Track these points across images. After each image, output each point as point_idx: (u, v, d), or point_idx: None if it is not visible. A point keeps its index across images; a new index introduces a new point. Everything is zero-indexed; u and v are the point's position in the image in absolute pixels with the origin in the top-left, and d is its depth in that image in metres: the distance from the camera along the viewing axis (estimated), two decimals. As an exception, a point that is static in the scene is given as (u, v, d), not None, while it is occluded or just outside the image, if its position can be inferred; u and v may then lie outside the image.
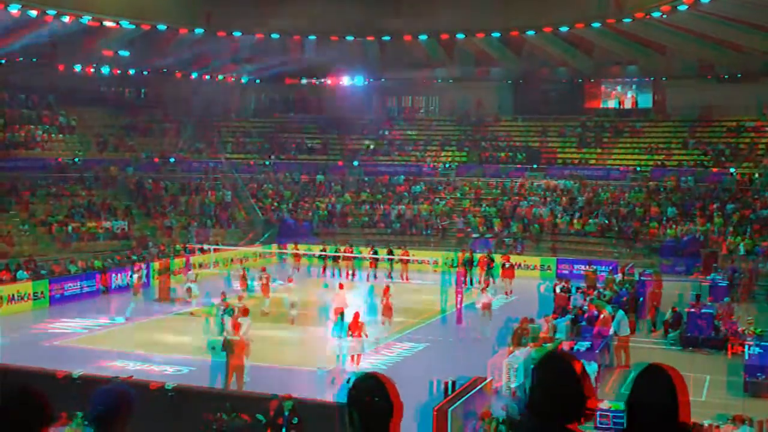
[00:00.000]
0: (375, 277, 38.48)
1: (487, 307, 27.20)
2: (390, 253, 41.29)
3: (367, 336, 22.32)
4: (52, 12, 41.80)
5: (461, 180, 52.45)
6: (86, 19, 43.75)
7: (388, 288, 28.30)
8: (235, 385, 19.18)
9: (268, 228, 48.98)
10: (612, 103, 56.84)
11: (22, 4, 40.21)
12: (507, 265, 37.54)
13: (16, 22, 42.42)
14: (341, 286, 28.70)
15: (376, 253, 41.08)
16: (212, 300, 27.52)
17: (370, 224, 49.23)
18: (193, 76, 55.66)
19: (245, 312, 22.35)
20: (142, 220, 45.14)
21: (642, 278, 32.57)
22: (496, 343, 21.95)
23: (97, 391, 3.72)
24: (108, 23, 44.87)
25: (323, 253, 41.76)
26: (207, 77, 56.06)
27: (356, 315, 22.85)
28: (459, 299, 29.28)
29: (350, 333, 22.09)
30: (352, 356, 22.15)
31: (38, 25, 43.62)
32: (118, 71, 52.74)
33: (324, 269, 40.86)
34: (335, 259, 41.34)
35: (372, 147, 55.82)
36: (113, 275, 35.53)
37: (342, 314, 23.76)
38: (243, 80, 57.47)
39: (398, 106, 61.25)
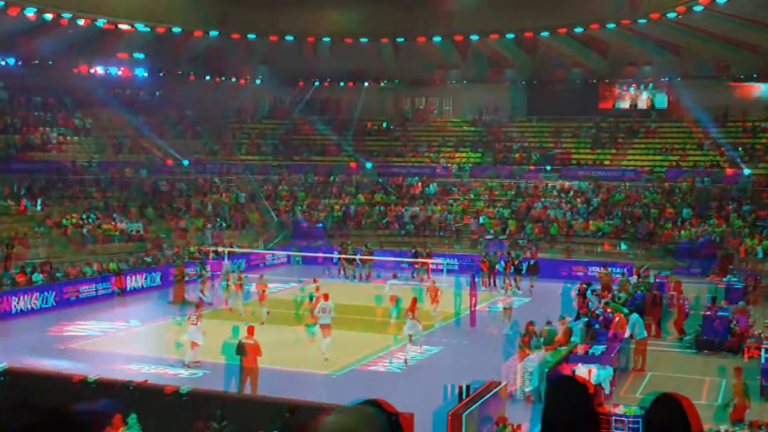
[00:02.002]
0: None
1: (509, 308, 27.75)
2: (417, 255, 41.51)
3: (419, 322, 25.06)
4: (67, 15, 42.04)
5: (475, 181, 52.36)
6: (101, 22, 44.00)
7: (434, 285, 30.35)
8: (249, 389, 19.16)
9: (281, 230, 49.06)
10: (626, 104, 56.61)
11: (38, 8, 40.48)
12: (532, 262, 38.35)
13: (32, 25, 42.72)
14: (394, 276, 33.25)
15: (415, 254, 41.23)
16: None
17: (383, 226, 49.22)
18: (208, 78, 55.82)
19: (327, 297, 24.78)
20: (157, 222, 45.27)
21: (658, 280, 32.39)
22: (509, 346, 21.84)
23: (79, 408, 3.67)
24: (123, 26, 45.09)
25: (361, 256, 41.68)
26: (221, 79, 56.21)
27: (414, 300, 25.96)
28: (473, 302, 29.18)
29: (408, 314, 24.91)
30: (410, 336, 24.43)
31: (54, 28, 43.89)
32: (133, 73, 52.96)
33: (341, 270, 40.92)
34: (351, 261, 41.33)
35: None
36: (128, 277, 35.64)
37: (398, 300, 27.60)
38: (257, 82, 57.58)
39: (412, 108, 61.22)
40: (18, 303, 29.82)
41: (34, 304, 30.63)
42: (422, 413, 15.48)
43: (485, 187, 51.46)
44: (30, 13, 40.70)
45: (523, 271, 37.80)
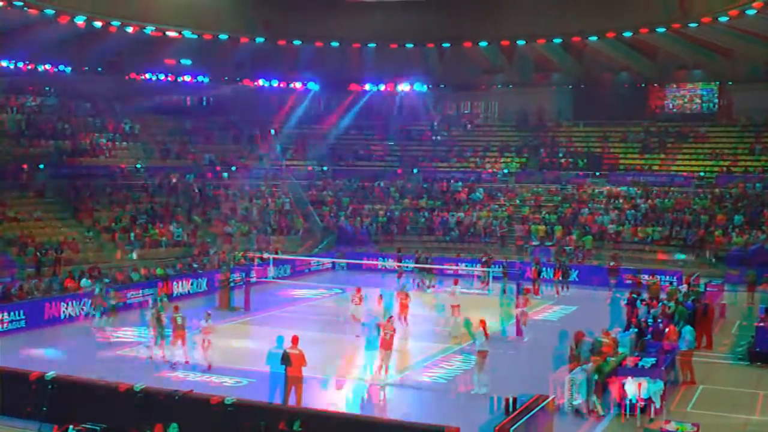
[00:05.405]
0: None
1: (484, 352, 21.26)
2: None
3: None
4: (116, 23, 42.56)
5: (521, 186, 51.93)
6: (149, 30, 44.47)
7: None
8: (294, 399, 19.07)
9: (326, 235, 49.09)
10: (676, 108, 55.73)
11: (88, 16, 41.04)
12: (612, 263, 38.51)
13: (81, 32, 43.33)
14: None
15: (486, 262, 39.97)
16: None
17: (427, 231, 48.96)
18: (254, 83, 56.19)
19: (456, 282, 30.26)
20: (204, 227, 45.55)
21: (708, 289, 31.68)
22: (558, 358, 21.40)
23: None
24: (171, 33, 45.54)
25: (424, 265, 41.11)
26: (267, 85, 56.51)
27: (526, 290, 30.16)
28: (520, 311, 28.80)
29: (519, 304, 28.23)
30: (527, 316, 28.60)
31: (103, 36, 44.46)
32: (181, 80, 53.47)
33: (400, 276, 40.24)
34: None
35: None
36: (175, 282, 35.79)
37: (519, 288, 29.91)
38: (303, 87, 57.81)
39: (457, 112, 60.99)
40: (66, 308, 30.11)
41: (83, 309, 30.92)
42: (468, 427, 15.28)
43: (531, 193, 50.99)
44: (80, 20, 41.29)
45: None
